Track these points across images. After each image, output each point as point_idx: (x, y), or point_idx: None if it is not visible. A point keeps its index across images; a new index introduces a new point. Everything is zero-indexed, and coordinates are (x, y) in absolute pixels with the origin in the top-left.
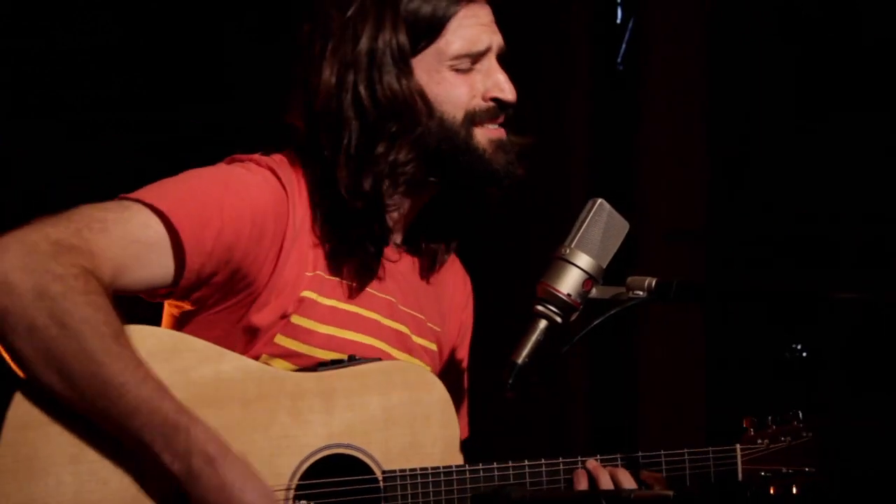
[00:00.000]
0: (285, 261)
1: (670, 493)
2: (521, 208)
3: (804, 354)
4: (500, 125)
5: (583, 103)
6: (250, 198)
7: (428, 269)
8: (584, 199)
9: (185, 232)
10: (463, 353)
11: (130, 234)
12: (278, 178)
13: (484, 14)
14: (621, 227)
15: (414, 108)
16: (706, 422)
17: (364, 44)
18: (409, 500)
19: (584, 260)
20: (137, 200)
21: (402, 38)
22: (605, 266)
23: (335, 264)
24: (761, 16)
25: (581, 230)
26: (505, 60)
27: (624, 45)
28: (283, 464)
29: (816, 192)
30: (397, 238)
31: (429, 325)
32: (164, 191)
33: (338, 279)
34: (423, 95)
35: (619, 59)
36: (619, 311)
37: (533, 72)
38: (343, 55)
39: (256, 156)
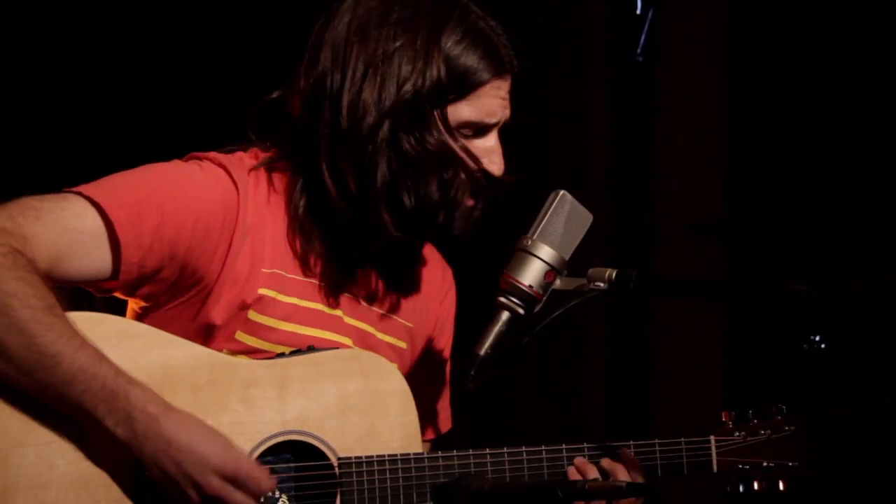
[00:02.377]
0: (235, 256)
1: (623, 483)
2: (541, 204)
3: (823, 346)
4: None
5: (601, 96)
6: (195, 194)
7: (399, 267)
8: (602, 194)
9: (121, 224)
10: (442, 345)
11: (64, 223)
12: (230, 176)
13: (505, 87)
14: (584, 218)
15: (468, 162)
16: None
17: (410, 77)
18: (366, 487)
19: (545, 252)
20: (76, 193)
21: (444, 81)
22: (567, 257)
23: (297, 262)
24: (780, 8)
25: (543, 222)
26: (523, 55)
27: (643, 37)
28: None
29: (835, 185)
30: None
31: (399, 321)
32: (105, 184)
33: (299, 277)
34: (468, 151)
35: (638, 52)
36: (580, 302)
37: (551, 65)
38: (386, 79)
39: (213, 153)
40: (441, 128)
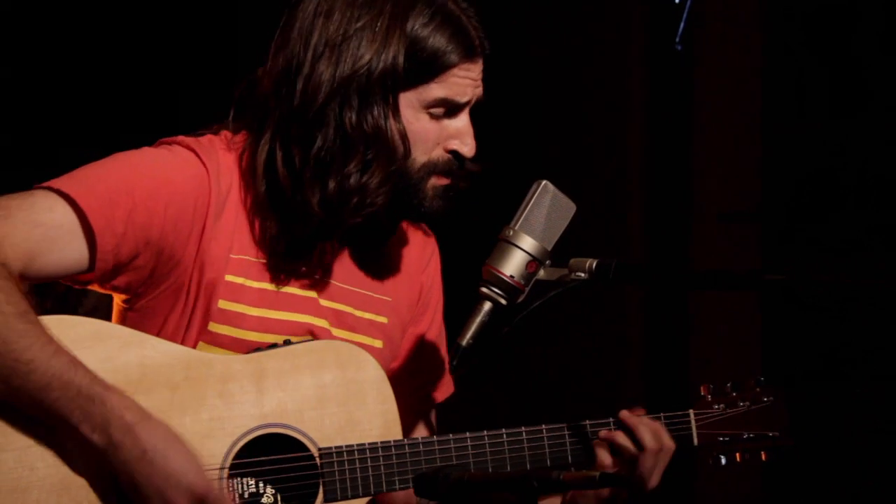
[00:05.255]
0: (209, 239)
1: (595, 474)
2: (576, 193)
3: None
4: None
5: (639, 84)
6: (166, 177)
7: (373, 244)
8: (640, 183)
9: (93, 213)
10: (430, 315)
11: (35, 219)
12: (200, 159)
13: (477, 70)
14: (567, 208)
15: (395, 147)
16: None
17: (365, 57)
18: (347, 476)
19: (527, 242)
20: (45, 188)
21: (400, 65)
22: (549, 248)
23: (265, 247)
24: None
25: (525, 212)
26: (561, 44)
27: (682, 26)
28: (215, 445)
29: (871, 172)
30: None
31: (377, 297)
32: (74, 176)
33: (267, 262)
34: (404, 137)
35: (676, 40)
36: (560, 292)
37: (589, 54)
38: (341, 59)
39: (181, 137)
40: (385, 111)
